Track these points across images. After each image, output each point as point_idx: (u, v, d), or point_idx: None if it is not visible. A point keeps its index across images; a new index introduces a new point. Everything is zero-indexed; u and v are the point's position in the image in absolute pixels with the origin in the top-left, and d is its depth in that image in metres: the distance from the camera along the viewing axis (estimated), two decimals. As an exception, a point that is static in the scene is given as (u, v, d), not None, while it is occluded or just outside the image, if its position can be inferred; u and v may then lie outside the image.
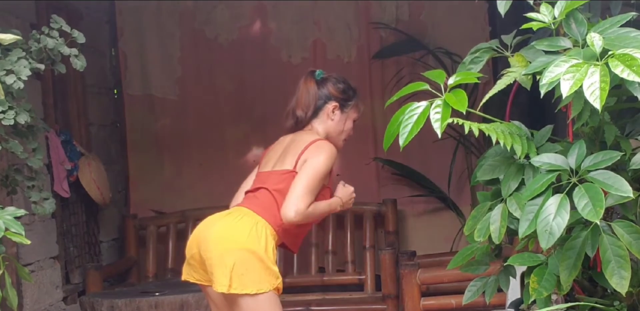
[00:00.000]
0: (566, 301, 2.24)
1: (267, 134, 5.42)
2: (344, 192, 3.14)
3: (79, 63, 2.86)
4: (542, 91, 1.96)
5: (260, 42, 5.74)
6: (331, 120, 3.13)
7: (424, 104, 2.08)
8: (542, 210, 2.01)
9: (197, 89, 5.77)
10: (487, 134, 2.11)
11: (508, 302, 2.80)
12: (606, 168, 2.00)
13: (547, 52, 2.12)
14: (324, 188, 3.05)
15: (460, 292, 2.55)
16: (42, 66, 2.78)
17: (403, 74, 5.51)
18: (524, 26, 2.15)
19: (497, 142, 2.11)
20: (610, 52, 1.90)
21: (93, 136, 5.41)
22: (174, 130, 5.80)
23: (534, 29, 2.15)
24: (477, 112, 2.20)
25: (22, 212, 2.42)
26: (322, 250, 5.39)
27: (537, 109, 4.90)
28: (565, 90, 1.88)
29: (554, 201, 2.00)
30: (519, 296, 2.63)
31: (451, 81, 2.12)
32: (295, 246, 3.12)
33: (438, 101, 2.06)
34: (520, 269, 2.37)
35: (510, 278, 2.41)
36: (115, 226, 5.69)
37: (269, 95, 5.66)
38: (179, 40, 5.78)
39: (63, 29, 2.84)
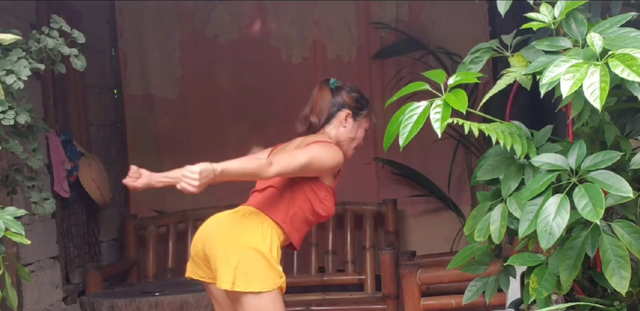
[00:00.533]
0: (566, 301, 2.24)
1: (267, 133, 5.43)
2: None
3: (79, 63, 2.87)
4: (542, 91, 1.96)
5: (260, 42, 5.73)
6: (343, 127, 3.16)
7: (424, 104, 2.08)
8: (542, 210, 2.01)
9: (197, 89, 5.76)
10: (487, 134, 2.11)
11: (508, 302, 2.80)
12: (606, 168, 2.00)
13: (547, 52, 2.12)
14: (328, 188, 3.07)
15: (460, 292, 2.55)
16: (42, 66, 2.78)
17: (403, 74, 5.51)
18: (524, 26, 2.15)
19: (497, 142, 2.12)
20: (610, 52, 1.90)
21: (93, 136, 5.41)
22: (174, 130, 5.81)
23: (534, 29, 2.15)
24: (477, 112, 2.20)
25: (22, 212, 2.43)
26: (322, 250, 5.39)
27: (537, 109, 4.90)
28: (565, 90, 1.88)
29: (554, 201, 2.00)
30: (518, 296, 2.63)
31: (451, 81, 2.12)
32: (298, 242, 3.13)
33: (438, 101, 2.06)
34: (520, 269, 2.37)
35: (510, 278, 2.41)
36: (115, 226, 5.69)
37: (268, 95, 5.66)
38: (179, 40, 5.78)
39: (63, 29, 2.84)
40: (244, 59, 5.72)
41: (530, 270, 2.21)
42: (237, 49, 5.73)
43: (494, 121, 2.21)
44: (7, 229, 2.34)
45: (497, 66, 5.02)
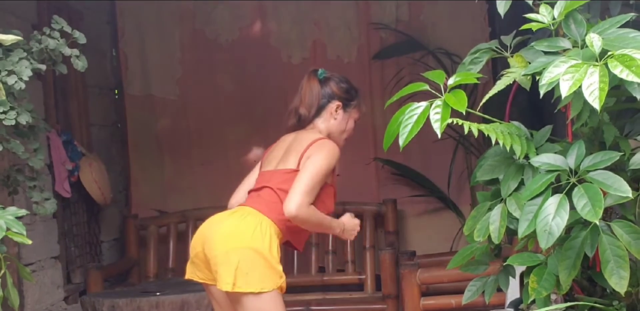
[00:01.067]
0: (565, 301, 2.24)
1: (267, 133, 5.41)
2: (350, 221, 3.17)
3: (80, 64, 2.87)
4: (542, 92, 1.97)
5: (260, 42, 5.74)
6: (334, 119, 3.14)
7: (423, 104, 2.08)
8: (541, 210, 2.01)
9: (198, 89, 5.77)
10: (486, 135, 2.11)
11: (507, 302, 2.80)
12: (605, 168, 2.01)
13: (546, 53, 2.12)
14: (328, 186, 3.06)
15: (460, 292, 2.55)
16: (43, 67, 2.79)
17: (403, 74, 5.52)
18: (524, 27, 2.15)
19: (497, 143, 2.12)
20: (609, 53, 1.91)
21: (94, 136, 5.41)
22: (174, 130, 5.81)
23: (534, 29, 2.15)
24: (477, 112, 2.20)
25: (23, 212, 2.43)
26: (322, 250, 5.39)
27: (536, 109, 4.91)
28: (565, 90, 1.88)
29: (553, 201, 2.01)
30: (518, 295, 2.63)
31: (451, 81, 2.12)
32: (300, 244, 3.13)
33: (438, 102, 2.07)
34: (519, 269, 2.37)
35: (510, 277, 2.41)
36: (116, 226, 5.70)
37: (269, 95, 5.67)
38: (179, 41, 5.79)
39: (64, 30, 2.84)
40: (244, 59, 5.73)
41: (529, 269, 2.22)
42: (237, 49, 5.74)
43: (493, 122, 2.21)
44: (8, 229, 2.35)
45: (497, 66, 5.03)
